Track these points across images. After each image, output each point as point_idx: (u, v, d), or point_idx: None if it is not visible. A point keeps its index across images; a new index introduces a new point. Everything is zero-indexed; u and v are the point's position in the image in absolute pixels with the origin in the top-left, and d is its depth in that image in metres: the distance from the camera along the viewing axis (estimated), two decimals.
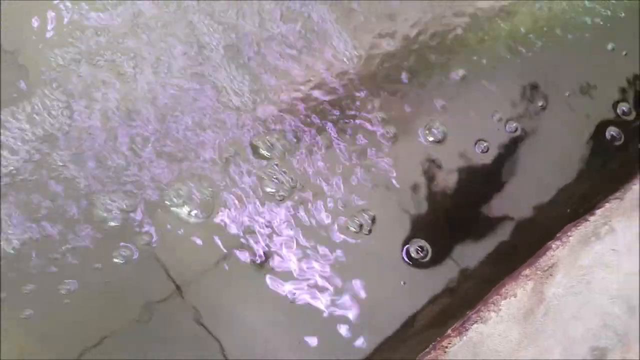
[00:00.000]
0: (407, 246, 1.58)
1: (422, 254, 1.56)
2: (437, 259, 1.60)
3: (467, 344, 1.20)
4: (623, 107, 1.97)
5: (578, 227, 1.35)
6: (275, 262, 1.52)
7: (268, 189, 1.57)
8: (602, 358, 1.22)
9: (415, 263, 1.57)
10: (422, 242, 1.58)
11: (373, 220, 1.61)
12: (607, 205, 1.38)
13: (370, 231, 1.59)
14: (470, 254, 1.64)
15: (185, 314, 1.44)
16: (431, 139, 1.72)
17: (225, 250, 1.50)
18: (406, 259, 1.57)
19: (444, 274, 1.59)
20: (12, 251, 1.43)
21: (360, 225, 1.59)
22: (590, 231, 1.34)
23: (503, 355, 1.19)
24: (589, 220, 1.35)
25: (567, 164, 1.87)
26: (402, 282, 1.54)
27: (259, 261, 1.52)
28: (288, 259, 1.54)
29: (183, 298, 1.47)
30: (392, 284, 1.55)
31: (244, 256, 1.52)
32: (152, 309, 1.44)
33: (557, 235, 1.37)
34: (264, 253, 1.53)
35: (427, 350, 1.22)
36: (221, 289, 1.50)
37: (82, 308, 1.42)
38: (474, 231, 1.69)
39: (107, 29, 1.71)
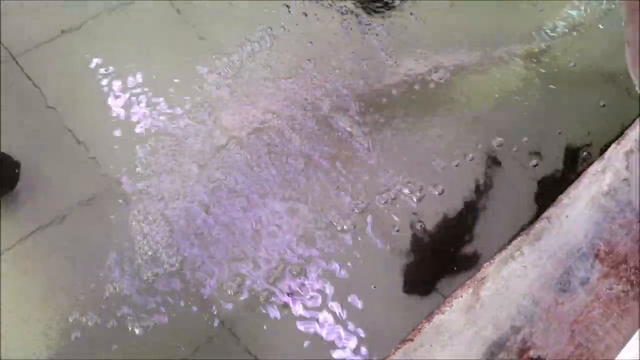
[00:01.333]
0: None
1: None
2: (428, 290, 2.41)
3: (433, 327, 1.98)
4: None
5: (500, 253, 2.15)
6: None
7: None
8: (517, 331, 1.99)
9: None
10: None
11: None
12: (519, 237, 2.19)
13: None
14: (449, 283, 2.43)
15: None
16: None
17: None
18: None
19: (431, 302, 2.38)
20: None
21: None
22: (508, 255, 2.15)
23: (455, 331, 1.97)
24: (507, 248, 2.16)
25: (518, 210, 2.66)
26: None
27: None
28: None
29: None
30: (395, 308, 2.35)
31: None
32: None
33: (489, 260, 2.17)
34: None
35: (410, 332, 2.00)
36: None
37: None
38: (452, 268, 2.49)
39: None
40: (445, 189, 2.64)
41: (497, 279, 2.10)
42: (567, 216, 2.24)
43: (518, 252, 2.15)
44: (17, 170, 2.40)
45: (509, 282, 2.09)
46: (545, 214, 2.27)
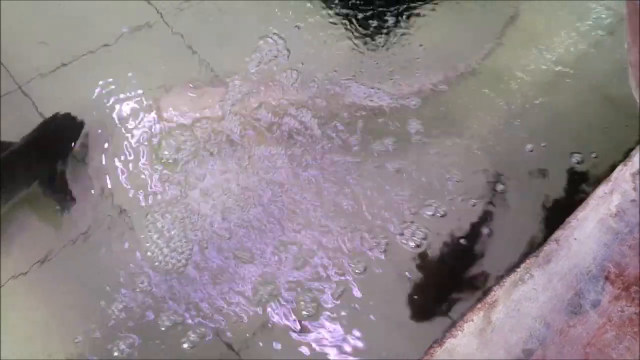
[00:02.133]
0: None
1: None
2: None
3: (445, 351, 1.96)
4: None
5: (510, 276, 2.14)
6: None
7: None
8: (529, 354, 1.97)
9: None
10: None
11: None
12: (528, 260, 2.18)
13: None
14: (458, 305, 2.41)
15: None
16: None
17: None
18: None
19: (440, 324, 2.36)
20: None
21: None
22: (518, 278, 2.14)
23: (467, 355, 1.94)
24: (516, 271, 2.15)
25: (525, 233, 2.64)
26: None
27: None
28: None
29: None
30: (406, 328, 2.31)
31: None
32: None
33: (499, 282, 2.16)
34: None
35: (422, 356, 1.97)
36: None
37: None
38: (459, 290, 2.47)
39: None
40: (451, 211, 2.62)
41: (508, 302, 2.08)
42: (575, 238, 2.23)
43: (528, 275, 2.14)
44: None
45: (519, 305, 2.07)
46: (554, 236, 2.26)
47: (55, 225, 2.45)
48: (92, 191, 2.53)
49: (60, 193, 2.46)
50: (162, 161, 2.61)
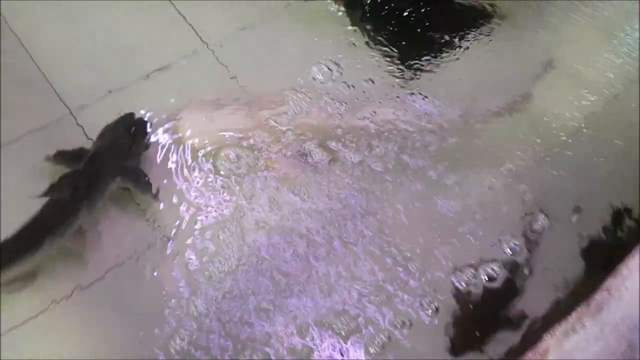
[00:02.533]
0: None
1: None
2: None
3: None
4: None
5: (561, 324, 2.12)
6: None
7: None
8: None
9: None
10: None
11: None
12: (579, 309, 2.16)
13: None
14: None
15: None
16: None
17: None
18: None
19: None
20: None
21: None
22: (569, 327, 2.12)
23: None
24: (567, 320, 2.13)
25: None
26: None
27: None
28: None
29: None
30: None
31: None
32: None
33: (549, 330, 2.14)
34: None
35: None
36: None
37: None
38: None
39: None
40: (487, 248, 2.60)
41: (560, 351, 2.06)
42: (627, 288, 2.21)
43: (580, 324, 2.12)
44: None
45: (572, 355, 2.06)
46: (605, 284, 2.24)
47: (99, 248, 2.46)
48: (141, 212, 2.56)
49: (143, 186, 2.55)
50: (211, 181, 2.65)
